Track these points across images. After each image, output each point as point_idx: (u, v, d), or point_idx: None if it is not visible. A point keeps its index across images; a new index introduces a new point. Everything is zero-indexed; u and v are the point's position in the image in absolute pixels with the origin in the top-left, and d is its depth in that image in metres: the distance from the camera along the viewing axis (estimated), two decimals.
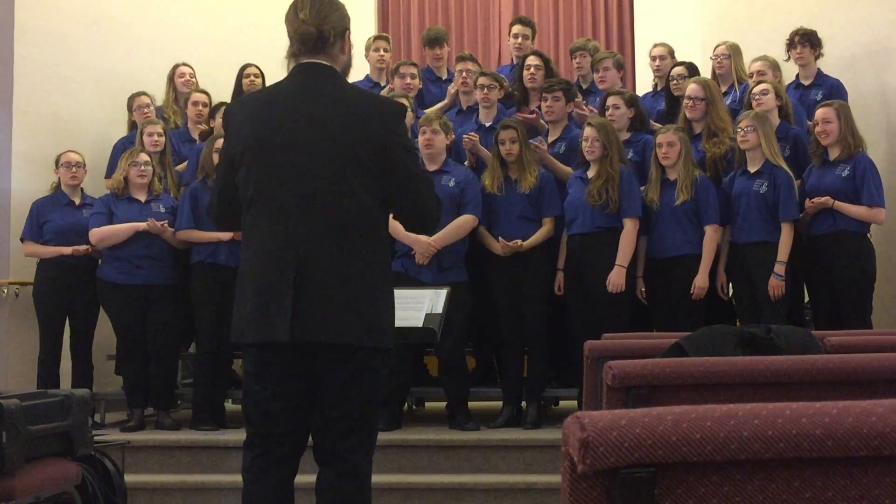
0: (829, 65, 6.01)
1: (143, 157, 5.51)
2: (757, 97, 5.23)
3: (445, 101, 6.13)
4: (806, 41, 5.80)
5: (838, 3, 6.55)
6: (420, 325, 3.09)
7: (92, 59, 6.73)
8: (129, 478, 4.17)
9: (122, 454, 4.15)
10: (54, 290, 5.55)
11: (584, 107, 5.62)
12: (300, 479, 2.74)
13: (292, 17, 2.69)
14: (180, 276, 5.47)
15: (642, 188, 5.17)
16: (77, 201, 5.71)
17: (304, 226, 2.58)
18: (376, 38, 6.59)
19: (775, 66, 5.66)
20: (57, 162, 5.70)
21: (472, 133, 5.51)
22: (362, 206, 2.60)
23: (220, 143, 4.52)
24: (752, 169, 5.00)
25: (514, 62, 6.35)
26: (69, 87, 6.57)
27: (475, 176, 5.28)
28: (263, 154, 2.62)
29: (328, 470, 2.65)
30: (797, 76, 5.98)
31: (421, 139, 5.12)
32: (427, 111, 5.70)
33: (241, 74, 6.25)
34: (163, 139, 5.80)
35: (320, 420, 2.65)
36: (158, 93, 6.50)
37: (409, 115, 5.48)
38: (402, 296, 2.84)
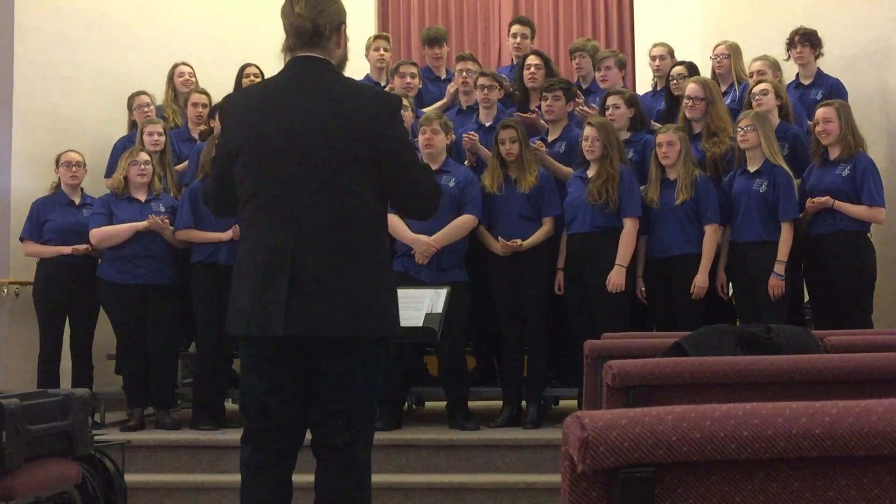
0: (829, 64, 6.00)
1: (143, 156, 5.51)
2: (757, 97, 5.23)
3: (444, 100, 6.13)
4: (806, 41, 5.80)
5: (838, 3, 6.55)
6: (420, 324, 3.10)
7: (92, 59, 6.73)
8: (129, 477, 4.17)
9: (122, 454, 4.15)
10: (54, 290, 5.55)
11: (586, 106, 5.61)
12: (299, 478, 2.74)
13: (288, 11, 2.69)
14: (180, 276, 5.47)
15: (642, 188, 5.17)
16: (77, 201, 5.71)
17: (301, 221, 2.58)
18: (376, 37, 6.60)
19: (775, 66, 5.66)
20: (57, 161, 5.70)
21: (472, 133, 5.51)
22: (359, 200, 2.61)
23: None
24: (751, 168, 5.00)
25: (514, 62, 6.36)
26: (69, 87, 6.57)
27: (475, 176, 5.28)
28: (260, 150, 2.63)
29: (326, 464, 2.65)
30: (797, 76, 5.98)
31: (421, 139, 5.12)
32: (427, 110, 5.70)
33: (240, 74, 6.24)
34: (163, 139, 5.79)
35: (318, 414, 2.65)
36: (158, 92, 6.50)
37: (409, 114, 5.50)
38: (402, 295, 2.84)
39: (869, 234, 5.06)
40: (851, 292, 4.93)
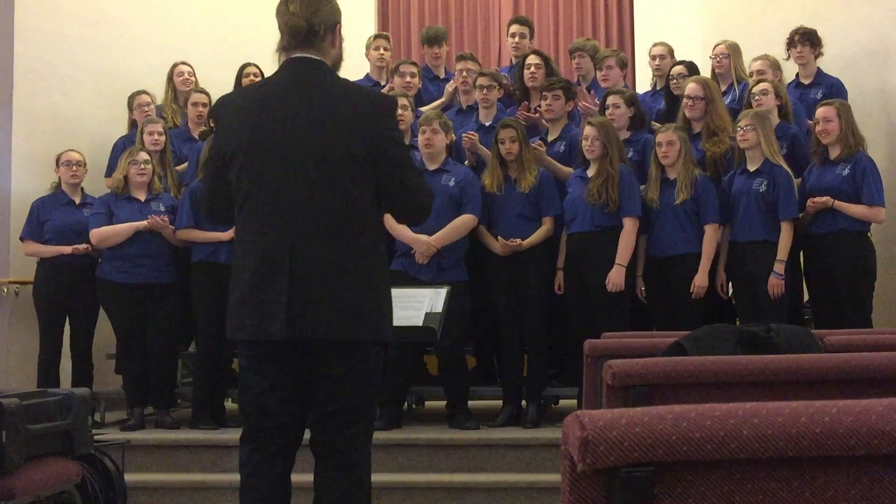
0: (829, 64, 6.00)
1: (143, 155, 5.51)
2: (757, 97, 5.23)
3: (443, 99, 6.13)
4: (806, 40, 5.79)
5: (838, 2, 6.55)
6: (420, 324, 3.09)
7: (92, 59, 6.73)
8: (129, 477, 4.17)
9: (122, 453, 4.15)
10: (54, 290, 5.55)
11: (588, 98, 5.59)
12: (299, 478, 2.74)
13: (283, 10, 2.68)
14: (180, 275, 5.47)
15: (642, 187, 5.17)
16: (77, 200, 5.71)
17: (298, 222, 2.58)
18: (376, 36, 6.60)
19: (775, 66, 5.66)
20: (57, 161, 5.70)
21: (472, 132, 5.51)
22: (355, 201, 2.61)
23: None
24: (751, 168, 5.00)
25: (513, 62, 6.36)
26: (69, 86, 6.57)
27: (475, 175, 5.28)
28: (255, 152, 2.62)
29: (325, 463, 2.65)
30: (797, 75, 5.98)
31: (421, 138, 5.12)
32: (426, 110, 5.70)
33: (240, 74, 6.24)
34: (163, 138, 5.79)
35: (317, 413, 2.65)
36: (158, 92, 6.49)
37: (409, 114, 5.50)
38: (402, 295, 2.84)
39: (869, 234, 5.06)
40: (851, 292, 4.93)
